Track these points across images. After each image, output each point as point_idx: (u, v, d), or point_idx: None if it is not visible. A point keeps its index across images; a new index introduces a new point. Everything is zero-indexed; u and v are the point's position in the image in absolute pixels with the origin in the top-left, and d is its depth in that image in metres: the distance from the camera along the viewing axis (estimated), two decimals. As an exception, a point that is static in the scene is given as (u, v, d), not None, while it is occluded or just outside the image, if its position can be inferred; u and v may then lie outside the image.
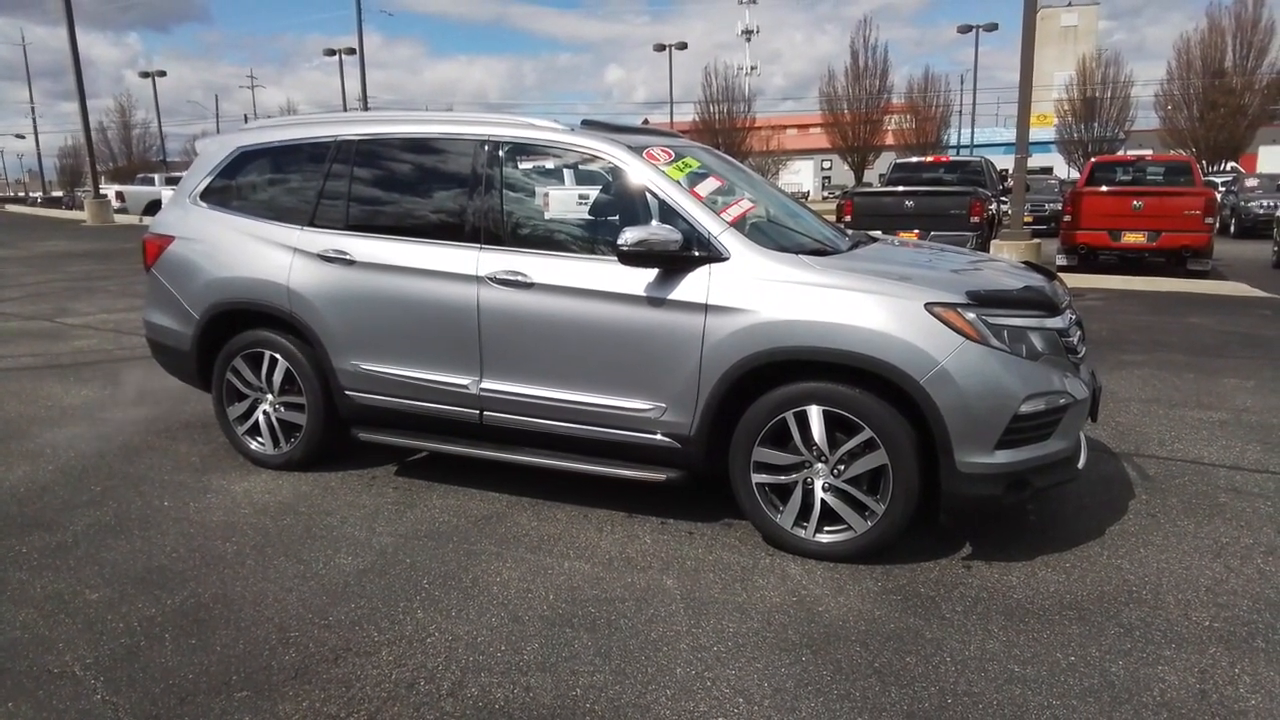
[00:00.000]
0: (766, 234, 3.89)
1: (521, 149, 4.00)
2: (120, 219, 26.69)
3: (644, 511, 3.90)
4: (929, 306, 3.21)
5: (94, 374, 6.71)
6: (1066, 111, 49.13)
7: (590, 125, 4.09)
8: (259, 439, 4.49)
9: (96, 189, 27.45)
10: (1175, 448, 4.81)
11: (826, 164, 71.04)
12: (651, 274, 3.55)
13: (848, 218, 12.74)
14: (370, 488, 4.24)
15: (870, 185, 28.77)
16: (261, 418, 4.46)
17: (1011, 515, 3.83)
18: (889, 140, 49.79)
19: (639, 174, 3.74)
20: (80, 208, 30.16)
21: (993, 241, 11.61)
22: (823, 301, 3.33)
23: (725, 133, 49.20)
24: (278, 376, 4.36)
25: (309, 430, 4.34)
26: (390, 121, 4.32)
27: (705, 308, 3.47)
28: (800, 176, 72.86)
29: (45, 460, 4.67)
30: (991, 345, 3.19)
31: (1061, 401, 3.32)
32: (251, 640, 2.85)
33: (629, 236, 3.44)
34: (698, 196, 3.70)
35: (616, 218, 3.91)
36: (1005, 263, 4.17)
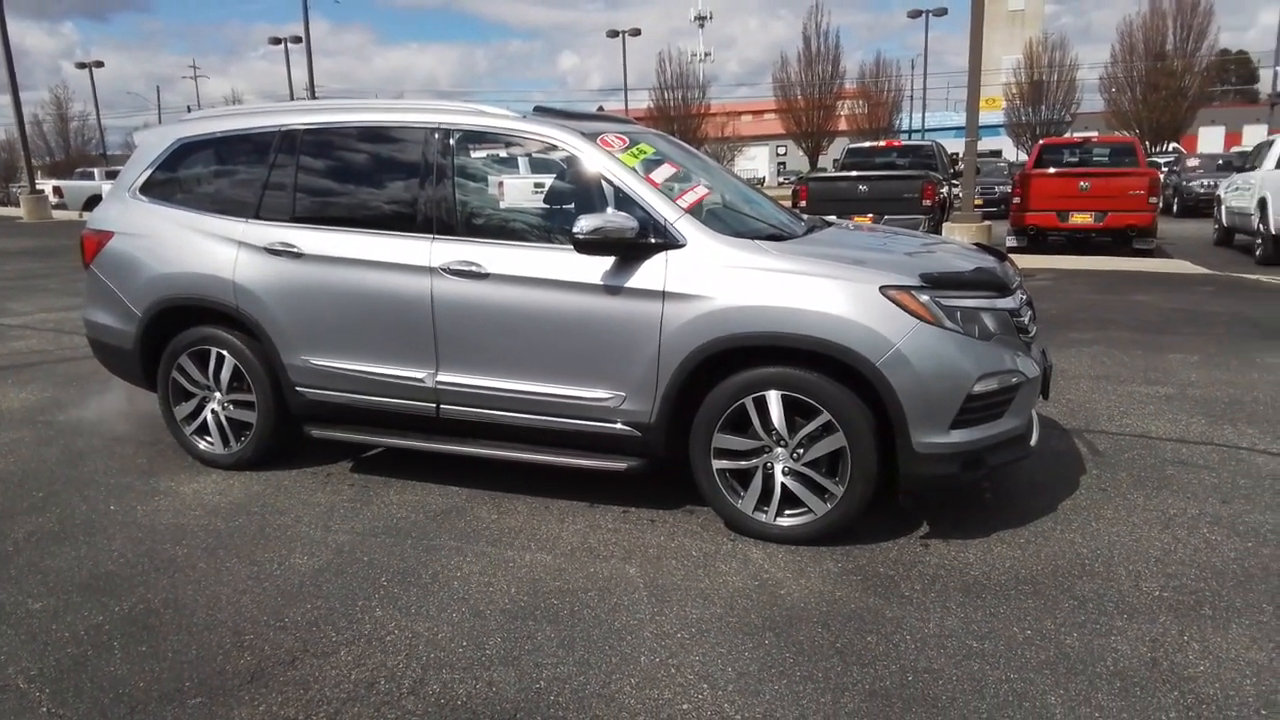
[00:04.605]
0: (723, 220, 3.88)
1: (473, 137, 3.93)
2: (59, 215, 25.82)
3: (606, 501, 3.88)
4: (884, 290, 3.23)
5: (34, 375, 6.48)
6: (1015, 95, 49.94)
7: (542, 112, 4.03)
8: (208, 438, 4.38)
9: (33, 184, 26.48)
10: (1124, 423, 4.92)
11: (782, 150, 71.36)
12: (608, 262, 3.52)
13: (803, 203, 12.82)
14: (325, 485, 4.16)
15: (824, 170, 29.04)
16: (210, 417, 4.35)
17: (968, 494, 3.89)
18: (842, 125, 50.15)
19: (593, 161, 3.70)
20: (16, 204, 29.07)
21: (944, 224, 11.76)
22: (779, 286, 3.33)
23: (680, 119, 49.13)
24: (225, 374, 4.25)
25: (259, 428, 4.24)
26: (337, 110, 4.22)
27: (662, 295, 3.45)
28: (756, 163, 73.19)
29: (-17, 466, 4.50)
30: (945, 326, 3.22)
31: (1014, 380, 3.37)
32: (204, 645, 2.78)
33: (584, 224, 3.41)
34: (653, 183, 3.68)
35: (571, 206, 3.87)
36: (957, 245, 4.21)
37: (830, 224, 4.63)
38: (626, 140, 3.90)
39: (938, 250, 4.00)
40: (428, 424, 3.96)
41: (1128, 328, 7.69)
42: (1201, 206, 19.81)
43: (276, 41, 44.62)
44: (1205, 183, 20.91)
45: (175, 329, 4.34)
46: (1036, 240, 13.45)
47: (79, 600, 3.08)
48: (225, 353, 4.23)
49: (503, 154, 4.03)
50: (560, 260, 3.58)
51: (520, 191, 4.08)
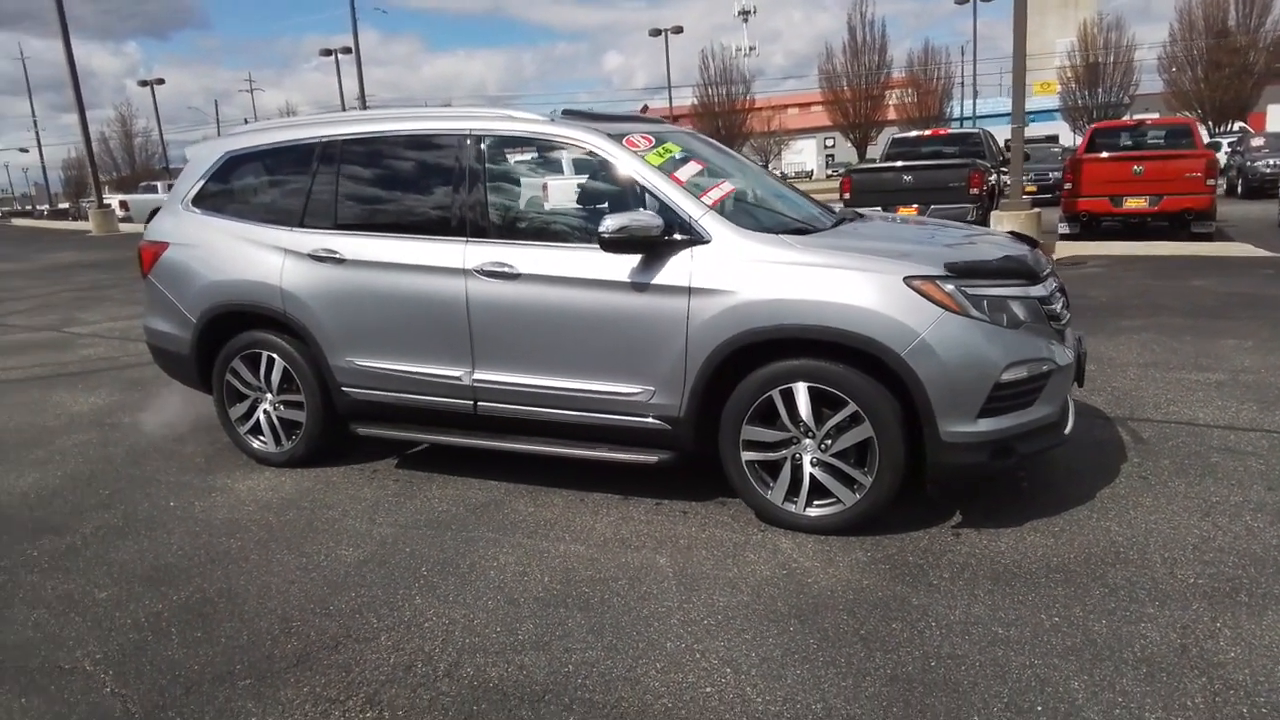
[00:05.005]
0: (748, 215, 3.93)
1: (503, 141, 4.04)
2: (125, 228, 26.87)
3: (639, 494, 3.95)
4: (908, 280, 3.25)
5: (101, 381, 6.81)
6: (1070, 79, 48.64)
7: (570, 114, 4.12)
8: (261, 438, 4.58)
9: (100, 199, 27.65)
10: (1170, 410, 4.83)
11: (829, 142, 70.57)
12: (635, 260, 3.59)
13: (846, 195, 12.72)
14: (371, 481, 4.32)
15: (873, 161, 28.63)
16: (262, 417, 4.55)
17: (1003, 483, 3.87)
18: (890, 115, 49.43)
19: (619, 161, 3.78)
20: (86, 218, 30.34)
21: (993, 212, 11.56)
22: (803, 279, 3.37)
23: (724, 115, 48.98)
24: (276, 376, 4.44)
25: (308, 427, 4.42)
26: (373, 120, 4.37)
27: (689, 290, 3.51)
28: (803, 156, 72.53)
29: (54, 466, 4.77)
30: (971, 316, 3.22)
31: (1044, 368, 3.35)
32: (255, 631, 2.93)
33: (610, 224, 3.49)
34: (678, 181, 3.74)
35: (599, 205, 3.95)
36: (987, 234, 4.18)
37: (862, 216, 4.64)
38: (652, 140, 3.97)
39: (965, 240, 3.99)
40: (466, 420, 4.09)
41: (1181, 314, 7.48)
42: (1267, 187, 19.05)
43: (327, 53, 45.73)
44: (1271, 163, 20.12)
45: (228, 334, 4.54)
46: (1089, 226, 13.12)
47: (140, 590, 3.27)
48: (275, 355, 4.42)
49: (531, 157, 4.13)
50: (589, 259, 3.66)
51: (550, 192, 4.18)
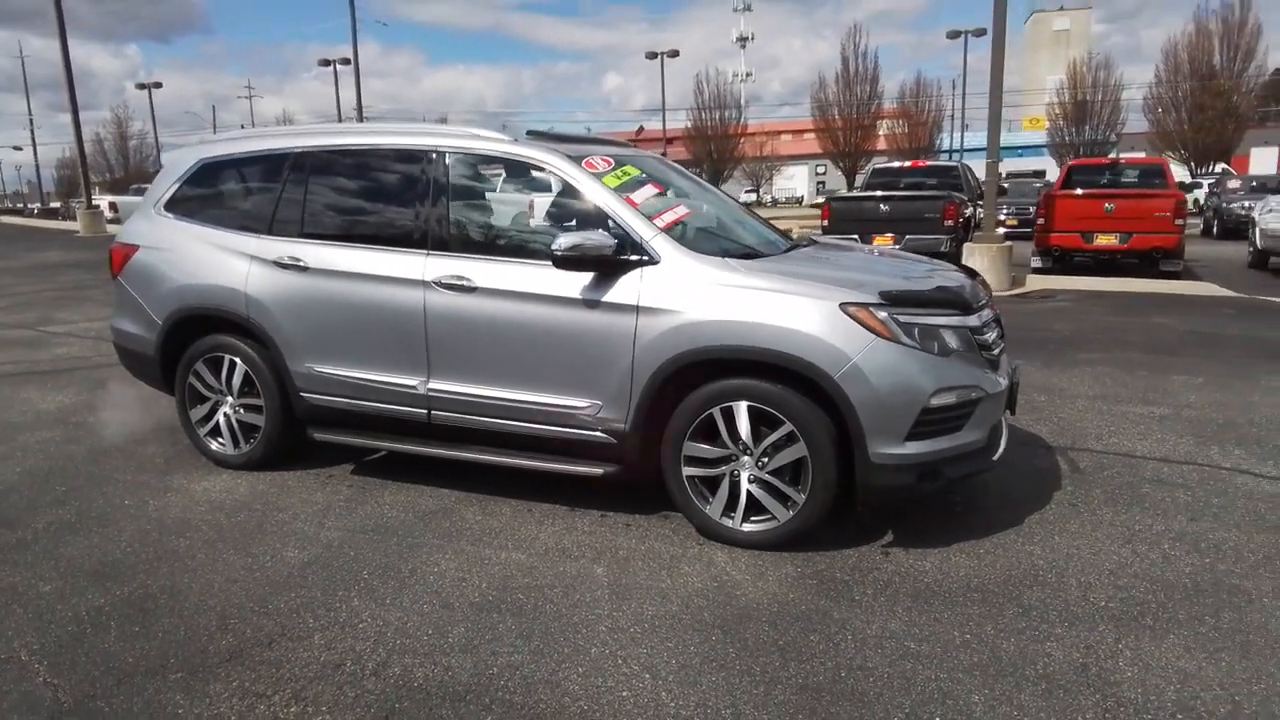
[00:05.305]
0: (699, 238, 4.06)
1: (467, 159, 4.16)
2: (113, 229, 26.77)
3: (586, 505, 4.05)
4: (843, 306, 3.37)
5: (71, 380, 6.86)
6: (1058, 115, 49.44)
7: (535, 135, 4.26)
8: (220, 440, 4.65)
9: (89, 200, 27.63)
10: (1111, 441, 4.96)
11: (821, 169, 71.26)
12: (587, 277, 3.71)
13: (825, 222, 12.94)
14: (326, 486, 4.40)
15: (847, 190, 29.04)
16: (222, 419, 4.62)
17: (936, 505, 3.98)
18: (881, 145, 50.07)
19: (576, 182, 3.90)
20: (75, 218, 30.30)
21: (965, 244, 11.78)
22: (745, 302, 3.49)
23: (717, 139, 49.46)
24: (237, 379, 4.52)
25: (267, 431, 4.49)
26: (344, 134, 4.49)
27: (637, 309, 3.63)
28: (794, 182, 73.26)
29: (14, 463, 4.83)
30: (902, 342, 3.35)
31: (973, 395, 3.48)
32: (192, 628, 3.00)
33: (563, 241, 3.61)
34: (632, 203, 3.87)
35: (556, 223, 4.08)
36: (934, 265, 4.32)
37: (815, 243, 4.78)
38: (612, 162, 4.10)
39: (907, 270, 4.13)
40: (421, 429, 4.18)
41: (1139, 349, 7.66)
42: (1241, 228, 19.37)
43: (326, 63, 45.95)
44: (1245, 204, 20.46)
45: (193, 337, 4.63)
46: (1062, 261, 13.36)
47: (85, 584, 3.34)
48: (237, 359, 4.50)
49: (493, 174, 4.25)
50: (543, 275, 3.78)
51: (510, 209, 4.30)
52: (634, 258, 3.67)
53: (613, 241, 3.63)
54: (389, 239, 4.17)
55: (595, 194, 3.85)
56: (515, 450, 4.01)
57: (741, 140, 52.71)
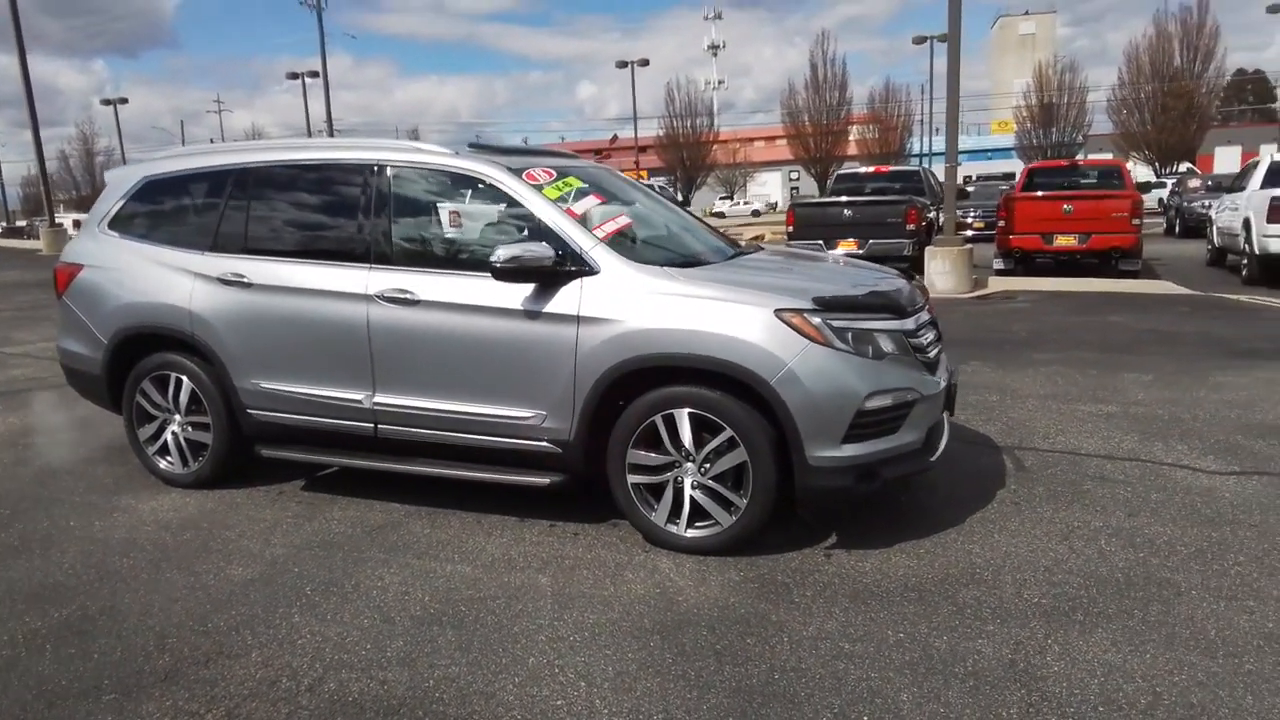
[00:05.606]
0: (642, 248, 4.09)
1: (408, 172, 4.17)
2: (79, 247, 26.50)
3: (536, 516, 4.06)
4: (778, 312, 3.42)
5: (24, 401, 6.78)
6: (1025, 118, 50.10)
7: (476, 148, 4.28)
8: (168, 458, 4.62)
9: (52, 218, 27.31)
10: (1057, 440, 5.05)
11: (794, 175, 71.73)
12: (528, 288, 3.73)
13: (790, 227, 13.04)
14: (275, 503, 4.37)
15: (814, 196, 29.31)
16: (170, 438, 4.59)
17: (880, 506, 4.03)
18: (852, 150, 50.50)
19: (517, 194, 3.93)
20: (37, 237, 29.91)
21: (927, 247, 11.92)
22: (684, 310, 3.53)
23: (689, 146, 49.69)
24: (184, 397, 4.49)
25: (215, 449, 4.47)
26: (287, 149, 4.49)
27: (577, 319, 3.65)
28: (768, 188, 73.62)
29: (-41, 487, 4.76)
30: (835, 347, 3.40)
31: (909, 398, 3.53)
32: (129, 648, 2.98)
33: (503, 253, 3.63)
34: (573, 214, 3.90)
35: (498, 236, 4.09)
36: (876, 271, 4.38)
37: (760, 249, 4.83)
38: (554, 174, 4.13)
39: (845, 276, 4.18)
40: (368, 443, 4.17)
41: (1093, 348, 7.78)
42: (1202, 227, 19.73)
43: (294, 76, 45.77)
44: (1205, 204, 20.86)
45: (139, 355, 4.60)
46: (1024, 262, 13.56)
47: (23, 608, 3.30)
48: (183, 377, 4.48)
49: (435, 187, 4.26)
50: (485, 287, 3.79)
51: (451, 222, 4.31)
52: (573, 268, 3.70)
53: (552, 252, 3.66)
54: (332, 253, 4.17)
55: (535, 206, 3.88)
56: (463, 462, 4.01)
57: (714, 147, 52.96)
